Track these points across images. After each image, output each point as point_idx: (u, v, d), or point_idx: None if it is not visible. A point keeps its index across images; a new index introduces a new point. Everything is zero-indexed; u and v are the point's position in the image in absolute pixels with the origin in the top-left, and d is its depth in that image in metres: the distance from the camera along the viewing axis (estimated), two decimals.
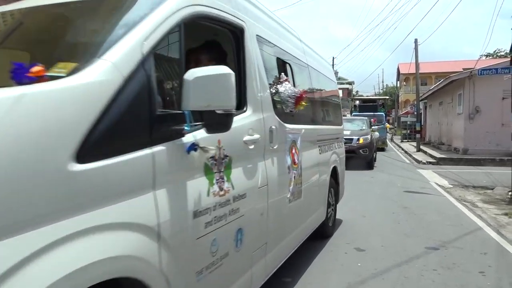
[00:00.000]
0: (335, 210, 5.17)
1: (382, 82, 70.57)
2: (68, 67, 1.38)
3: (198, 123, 1.78)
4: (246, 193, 2.26)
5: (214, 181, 1.95)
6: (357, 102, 28.56)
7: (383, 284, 3.51)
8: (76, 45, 1.81)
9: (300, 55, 4.01)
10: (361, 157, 12.32)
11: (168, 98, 1.85)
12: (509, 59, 8.69)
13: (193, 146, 1.75)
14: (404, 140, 27.78)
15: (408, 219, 5.94)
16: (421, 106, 25.08)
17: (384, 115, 22.58)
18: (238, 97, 2.36)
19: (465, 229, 5.34)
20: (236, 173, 2.18)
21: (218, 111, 1.72)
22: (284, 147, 2.98)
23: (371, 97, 34.10)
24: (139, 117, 1.51)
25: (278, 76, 3.11)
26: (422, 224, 5.65)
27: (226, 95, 1.70)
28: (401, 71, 44.49)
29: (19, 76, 1.31)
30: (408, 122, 28.69)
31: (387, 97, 37.63)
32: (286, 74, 3.24)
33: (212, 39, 2.58)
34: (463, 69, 19.75)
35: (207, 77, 1.64)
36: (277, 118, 2.83)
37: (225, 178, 2.06)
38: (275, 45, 3.17)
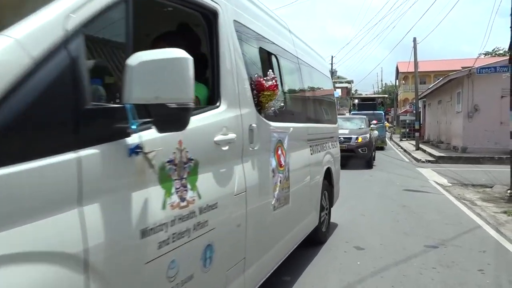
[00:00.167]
0: (329, 214, 4.88)
1: (381, 80, 70.67)
2: None
3: (148, 120, 1.45)
4: (218, 202, 1.95)
5: (173, 190, 1.64)
6: (356, 100, 28.55)
7: (382, 282, 3.50)
8: None
9: (289, 47, 3.67)
10: (360, 156, 12.28)
11: (108, 89, 1.47)
12: (508, 57, 8.69)
13: (139, 149, 1.44)
14: (403, 139, 27.78)
15: (407, 218, 5.92)
16: (420, 104, 25.04)
17: (383, 113, 22.56)
18: (211, 90, 2.13)
19: (464, 228, 5.33)
20: (204, 179, 1.87)
21: (170, 105, 1.37)
22: (268, 148, 2.68)
23: (370, 96, 34.13)
24: (58, 111, 1.19)
25: (261, 68, 2.79)
26: (421, 222, 5.63)
27: (181, 85, 1.36)
28: (400, 70, 44.51)
29: None
30: (407, 121, 28.69)
31: (386, 96, 37.65)
32: (271, 67, 2.95)
33: (183, 24, 2.28)
34: (462, 67, 19.74)
35: (156, 62, 1.32)
36: (258, 115, 2.53)
37: (189, 186, 1.74)
38: (258, 34, 2.83)
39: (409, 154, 17.33)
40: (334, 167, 4.96)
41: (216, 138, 1.99)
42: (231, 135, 2.11)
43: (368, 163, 12.53)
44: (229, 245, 2.12)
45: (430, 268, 3.81)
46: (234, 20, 2.35)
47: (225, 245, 2.06)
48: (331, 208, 5.03)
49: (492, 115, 14.72)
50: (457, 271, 3.77)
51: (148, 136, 1.49)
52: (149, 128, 1.48)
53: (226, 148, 2.06)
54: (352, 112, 23.71)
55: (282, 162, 2.89)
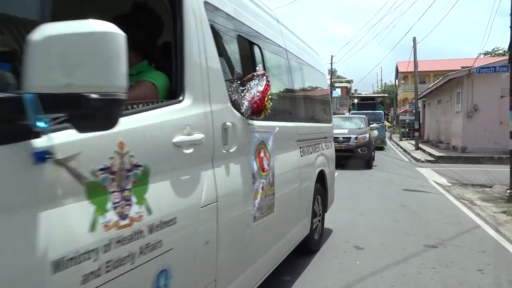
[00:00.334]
0: (323, 220, 4.53)
1: (381, 80, 70.58)
2: None
3: (62, 116, 1.07)
4: (177, 217, 1.61)
5: (108, 206, 1.30)
6: (356, 100, 28.53)
7: (382, 282, 3.50)
8: None
9: (275, 37, 3.28)
10: (359, 156, 12.16)
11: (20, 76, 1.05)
12: (508, 57, 8.70)
13: (49, 155, 1.11)
14: (402, 139, 27.82)
15: (407, 218, 5.92)
16: (420, 104, 25.06)
17: (383, 113, 22.57)
18: (174, 83, 1.82)
19: (463, 227, 5.34)
20: (158, 190, 1.52)
21: (91, 96, 0.99)
22: (248, 150, 2.34)
23: (369, 95, 34.14)
24: None
25: (240, 59, 2.51)
26: (420, 222, 5.64)
27: (106, 70, 1.00)
28: (400, 69, 44.54)
29: None
30: (407, 121, 28.74)
31: (386, 95, 37.67)
32: (253, 58, 2.71)
33: (139, 3, 1.98)
34: (461, 67, 19.72)
35: (69, 37, 0.96)
36: (235, 112, 2.20)
37: (134, 199, 1.40)
38: (235, 19, 2.48)
39: (409, 154, 17.34)
40: (328, 170, 4.63)
41: (175, 139, 1.66)
42: (197, 136, 1.79)
43: (367, 163, 12.45)
44: (194, 267, 1.77)
45: (430, 268, 3.81)
46: (205, 1, 2.04)
47: (188, 268, 1.72)
48: (325, 214, 4.72)
49: (492, 115, 14.74)
50: (457, 270, 3.77)
51: (68, 137, 1.15)
52: (69, 127, 1.13)
53: (189, 151, 1.74)
54: (351, 112, 23.69)
55: (265, 166, 2.56)
